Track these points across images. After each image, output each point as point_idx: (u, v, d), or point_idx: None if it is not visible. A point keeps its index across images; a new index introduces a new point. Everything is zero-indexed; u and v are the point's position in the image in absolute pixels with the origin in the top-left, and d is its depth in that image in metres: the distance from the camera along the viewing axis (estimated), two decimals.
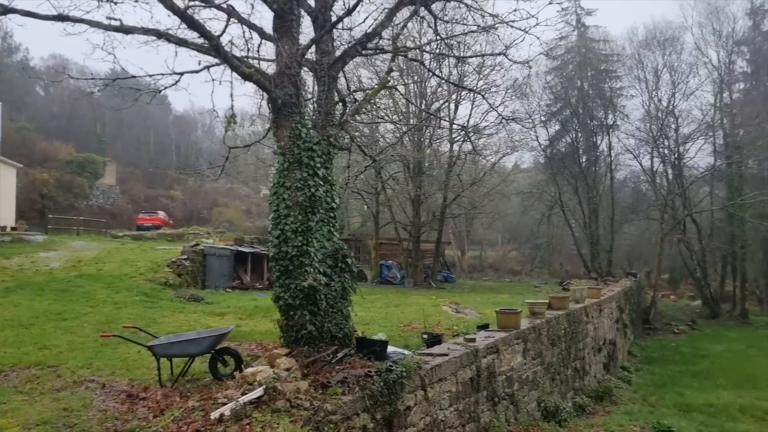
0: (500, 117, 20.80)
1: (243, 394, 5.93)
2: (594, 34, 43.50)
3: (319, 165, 7.62)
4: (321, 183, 7.63)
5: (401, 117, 28.68)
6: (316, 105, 8.17)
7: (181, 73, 8.30)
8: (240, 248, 24.16)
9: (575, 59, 41.82)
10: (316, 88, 8.55)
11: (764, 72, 40.47)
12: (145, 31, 6.72)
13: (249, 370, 6.76)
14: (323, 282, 7.48)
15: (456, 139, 31.93)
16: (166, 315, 14.08)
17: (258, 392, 5.83)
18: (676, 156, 34.83)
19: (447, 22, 11.13)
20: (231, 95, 7.44)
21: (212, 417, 5.51)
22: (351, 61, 9.34)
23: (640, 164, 37.80)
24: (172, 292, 18.34)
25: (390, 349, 7.65)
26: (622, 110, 40.03)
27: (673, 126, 34.90)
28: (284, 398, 5.73)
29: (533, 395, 10.69)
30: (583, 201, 38.15)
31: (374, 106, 21.15)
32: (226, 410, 5.55)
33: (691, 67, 35.18)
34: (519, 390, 10.07)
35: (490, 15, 10.40)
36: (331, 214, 7.97)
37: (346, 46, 9.34)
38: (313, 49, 8.52)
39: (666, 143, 35.06)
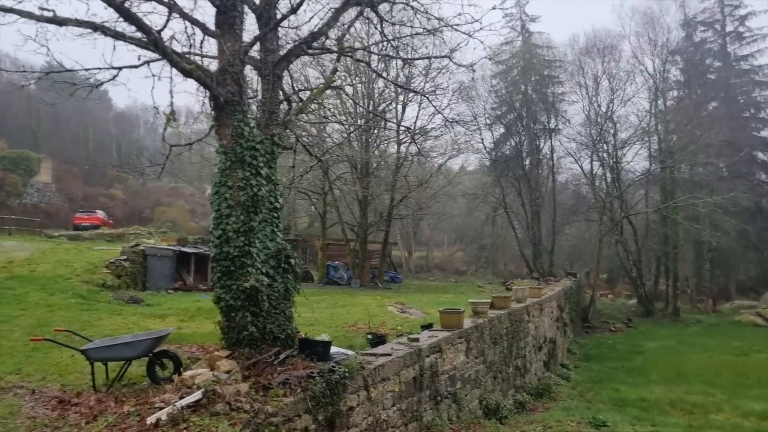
0: (446, 120, 21.06)
1: (181, 397, 5.79)
2: (538, 40, 44.69)
3: (262, 164, 7.53)
4: (264, 182, 7.53)
5: (348, 117, 28.67)
6: (260, 103, 8.06)
7: (120, 68, 8.02)
8: (183, 249, 23.61)
9: (519, 64, 42.81)
10: (260, 86, 8.45)
11: (695, 81, 42.52)
12: (80, 23, 6.48)
13: (188, 373, 6.61)
14: (266, 283, 7.39)
15: (403, 141, 32.16)
16: (103, 318, 13.61)
17: (196, 395, 5.71)
18: (614, 160, 36.12)
19: (393, 24, 11.18)
20: (171, 92, 7.26)
21: (148, 422, 5.35)
22: (298, 61, 9.30)
23: (581, 167, 39.09)
24: (110, 294, 17.75)
25: (333, 349, 7.62)
26: (563, 115, 41.33)
27: (612, 131, 36.21)
28: (224, 401, 5.63)
29: (475, 393, 10.87)
30: (526, 203, 39.09)
31: (321, 106, 21.10)
32: (162, 415, 5.41)
33: (628, 75, 36.62)
34: (461, 388, 10.22)
35: (436, 18, 10.55)
36: (275, 215, 7.88)
37: (291, 45, 9.26)
38: (257, 46, 8.41)
39: (605, 147, 36.33)
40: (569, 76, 40.14)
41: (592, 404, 13.13)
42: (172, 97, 7.34)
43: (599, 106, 36.39)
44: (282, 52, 8.51)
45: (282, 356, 7.02)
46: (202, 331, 11.65)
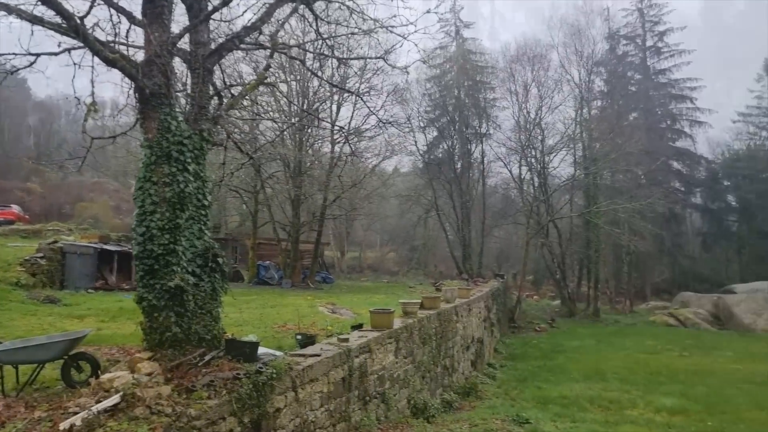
0: (380, 121, 21.16)
1: (98, 402, 5.53)
2: (471, 46, 45.64)
3: (189, 160, 7.31)
4: (191, 179, 7.31)
5: (282, 115, 28.32)
6: (189, 97, 7.83)
7: (38, 54, 7.57)
8: (105, 246, 22.60)
9: (453, 69, 43.56)
10: (190, 80, 8.20)
11: (618, 92, 44.58)
12: None
13: (106, 376, 6.32)
14: (191, 282, 7.18)
15: (337, 141, 32.08)
16: (15, 318, 12.86)
17: (114, 399, 5.47)
18: (541, 165, 37.34)
19: (329, 23, 11.13)
20: (92, 81, 6.92)
21: (61, 428, 5.09)
22: (231, 56, 9.09)
23: (510, 172, 40.21)
24: (24, 293, 16.78)
25: (261, 350, 7.50)
26: (495, 120, 42.36)
27: (540, 137, 37.43)
28: (144, 405, 5.42)
29: (404, 393, 10.96)
30: (457, 205, 39.84)
31: (254, 103, 20.73)
32: (77, 420, 5.15)
33: (556, 83, 37.90)
34: (390, 388, 10.28)
35: (372, 19, 10.56)
36: (203, 212, 7.67)
37: (223, 39, 9.04)
38: (188, 39, 8.16)
39: (533, 153, 37.51)
40: (500, 82, 41.17)
41: (516, 402, 13.51)
42: (93, 87, 6.99)
43: (528, 112, 37.54)
44: (213, 46, 8.30)
45: (207, 357, 6.83)
46: (124, 332, 11.20)
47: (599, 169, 35.85)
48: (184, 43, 8.23)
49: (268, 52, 9.98)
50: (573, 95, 39.31)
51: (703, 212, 51.28)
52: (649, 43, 49.26)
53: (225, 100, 8.69)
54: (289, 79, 26.63)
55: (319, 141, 33.01)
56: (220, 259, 7.67)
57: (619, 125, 37.43)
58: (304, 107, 28.77)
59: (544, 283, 48.11)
